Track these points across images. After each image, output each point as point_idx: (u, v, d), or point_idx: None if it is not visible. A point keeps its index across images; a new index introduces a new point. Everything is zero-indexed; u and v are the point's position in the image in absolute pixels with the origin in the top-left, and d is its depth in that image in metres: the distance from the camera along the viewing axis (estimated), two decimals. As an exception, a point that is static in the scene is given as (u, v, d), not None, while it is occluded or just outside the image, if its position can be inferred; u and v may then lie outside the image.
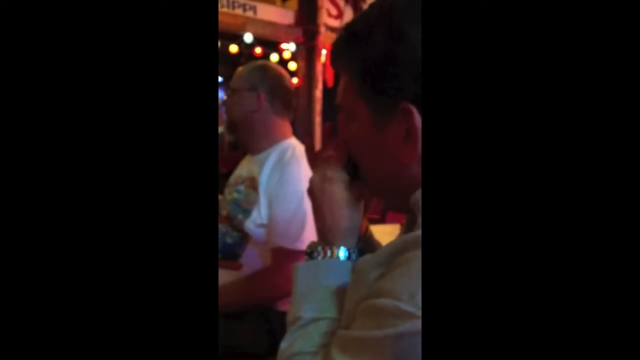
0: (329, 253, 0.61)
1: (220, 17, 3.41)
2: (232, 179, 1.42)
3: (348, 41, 0.58)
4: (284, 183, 1.24)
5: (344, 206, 0.62)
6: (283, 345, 0.58)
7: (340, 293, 0.58)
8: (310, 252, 0.63)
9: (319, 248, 0.62)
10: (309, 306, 0.58)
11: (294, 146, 1.35)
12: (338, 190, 0.63)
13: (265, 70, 1.35)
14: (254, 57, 3.79)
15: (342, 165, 0.63)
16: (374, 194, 0.66)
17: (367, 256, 0.54)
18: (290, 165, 1.27)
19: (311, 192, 0.65)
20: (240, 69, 1.38)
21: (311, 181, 0.65)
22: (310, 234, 1.18)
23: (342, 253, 0.61)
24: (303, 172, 1.25)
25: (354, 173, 0.64)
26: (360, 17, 0.59)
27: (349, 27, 0.58)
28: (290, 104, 1.39)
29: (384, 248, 0.52)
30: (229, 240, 1.30)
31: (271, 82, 1.34)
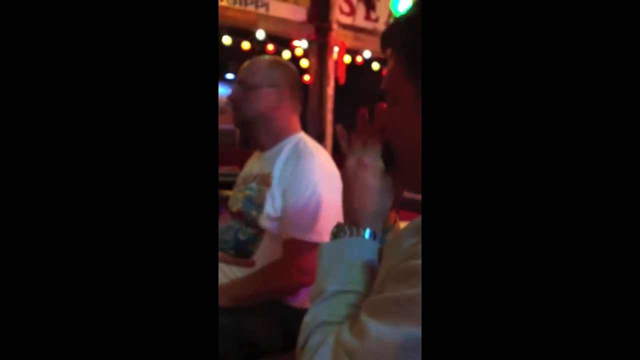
0: (355, 232, 0.63)
1: (232, 14, 3.42)
2: (242, 177, 1.42)
3: (401, 24, 0.59)
4: (298, 174, 1.23)
5: (375, 193, 0.64)
6: (308, 317, 0.59)
7: (365, 269, 0.59)
8: (336, 233, 0.65)
9: (345, 228, 0.64)
10: (334, 280, 0.60)
11: (305, 139, 1.35)
12: (371, 177, 0.64)
13: (287, 67, 1.37)
14: (266, 54, 3.79)
15: (378, 152, 0.65)
16: (408, 182, 0.66)
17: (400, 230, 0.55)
18: (303, 156, 1.26)
19: (344, 175, 0.66)
20: (250, 64, 1.37)
21: (346, 164, 0.66)
22: (323, 226, 1.17)
23: (367, 233, 0.63)
24: (317, 164, 1.24)
25: (389, 162, 0.64)
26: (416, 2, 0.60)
27: (407, 13, 0.60)
28: (303, 99, 1.42)
29: (419, 218, 0.53)
30: (241, 237, 1.29)
31: (293, 78, 1.37)
